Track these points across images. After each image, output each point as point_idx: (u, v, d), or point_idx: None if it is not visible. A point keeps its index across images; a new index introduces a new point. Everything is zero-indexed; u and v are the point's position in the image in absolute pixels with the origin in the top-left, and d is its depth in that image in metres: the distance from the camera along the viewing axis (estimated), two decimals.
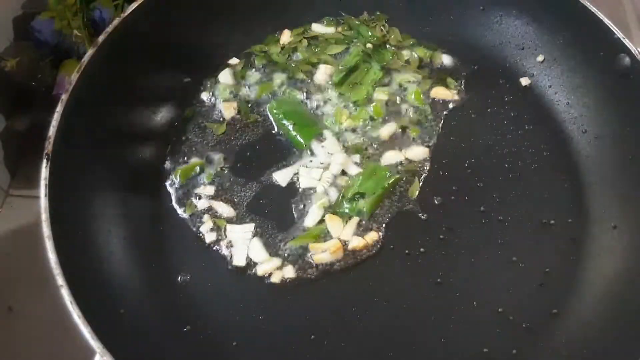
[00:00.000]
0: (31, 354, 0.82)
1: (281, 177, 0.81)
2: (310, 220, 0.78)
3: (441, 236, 0.77)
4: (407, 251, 0.76)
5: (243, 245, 0.77)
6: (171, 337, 0.71)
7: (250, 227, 0.78)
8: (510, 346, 0.71)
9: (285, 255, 0.76)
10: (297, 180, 0.81)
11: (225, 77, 0.90)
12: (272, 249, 0.77)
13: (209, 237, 0.77)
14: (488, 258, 0.76)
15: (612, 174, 0.79)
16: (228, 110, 0.87)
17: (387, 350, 0.71)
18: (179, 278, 0.75)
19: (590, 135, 0.83)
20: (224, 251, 0.77)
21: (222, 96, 0.89)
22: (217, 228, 0.78)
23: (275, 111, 0.86)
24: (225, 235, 0.78)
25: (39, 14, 0.95)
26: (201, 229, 0.78)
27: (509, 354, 0.70)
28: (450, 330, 0.71)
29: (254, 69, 0.91)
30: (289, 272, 0.75)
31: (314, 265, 0.75)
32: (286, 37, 0.93)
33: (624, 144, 0.79)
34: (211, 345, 0.71)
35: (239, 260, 0.76)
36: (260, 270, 0.75)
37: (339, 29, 0.94)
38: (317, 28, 0.94)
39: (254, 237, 0.77)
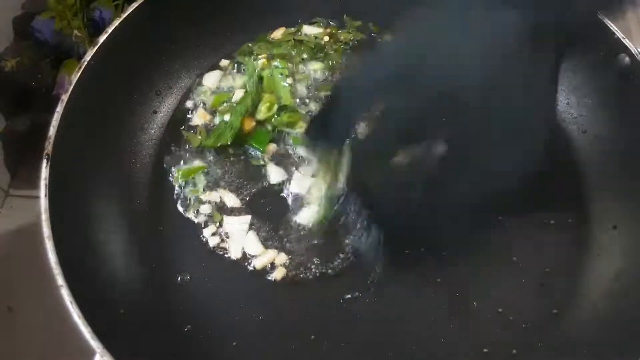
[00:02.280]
0: (31, 354, 0.82)
1: (274, 173, 0.81)
2: (304, 218, 0.78)
3: (441, 236, 0.77)
4: (407, 251, 0.76)
5: (239, 237, 0.77)
6: (171, 337, 0.71)
7: (247, 219, 0.78)
8: (510, 346, 0.71)
9: (285, 250, 0.76)
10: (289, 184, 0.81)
11: (210, 79, 0.89)
12: (269, 243, 0.77)
13: (213, 241, 0.77)
14: (488, 258, 0.76)
15: (612, 174, 0.79)
16: (201, 118, 0.85)
17: (387, 350, 0.71)
18: (179, 278, 0.75)
19: (590, 135, 0.83)
20: (224, 251, 0.77)
21: (202, 100, 0.87)
22: (218, 230, 0.78)
23: None
24: (222, 229, 0.78)
25: (39, 14, 0.95)
26: (204, 234, 0.78)
27: (509, 354, 0.70)
28: (450, 330, 0.71)
29: (239, 71, 0.90)
30: (287, 266, 0.75)
31: (314, 263, 0.75)
32: (278, 33, 0.92)
33: (624, 144, 0.79)
34: (211, 345, 0.71)
35: (235, 253, 0.76)
36: (258, 264, 0.75)
37: (328, 30, 0.93)
38: (309, 30, 0.93)
39: (250, 230, 0.77)
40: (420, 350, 0.71)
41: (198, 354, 0.70)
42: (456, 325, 0.72)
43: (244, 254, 0.76)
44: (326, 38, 0.92)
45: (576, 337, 0.70)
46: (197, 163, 0.83)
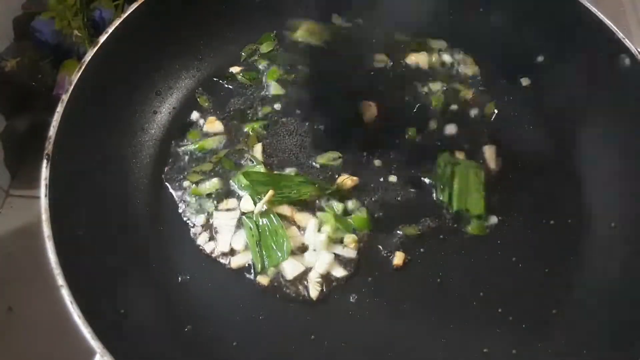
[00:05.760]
0: (31, 354, 0.82)
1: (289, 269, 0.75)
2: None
3: (441, 236, 0.77)
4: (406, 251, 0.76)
5: (228, 232, 0.77)
6: (171, 337, 0.71)
7: (236, 214, 0.78)
8: (510, 346, 0.71)
9: None
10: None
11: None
12: None
13: (209, 247, 0.77)
14: (488, 258, 0.76)
15: (612, 174, 0.79)
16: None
17: (387, 350, 0.71)
18: (179, 278, 0.75)
19: (590, 135, 0.83)
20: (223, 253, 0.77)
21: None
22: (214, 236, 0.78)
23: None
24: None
25: (39, 14, 0.95)
26: (204, 233, 0.78)
27: (509, 354, 0.70)
28: (450, 330, 0.71)
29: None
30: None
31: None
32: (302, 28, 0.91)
33: (624, 144, 0.79)
34: (211, 345, 0.71)
35: (222, 246, 0.76)
36: (234, 264, 0.75)
37: None
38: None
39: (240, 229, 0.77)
40: (420, 350, 0.71)
41: (198, 354, 0.70)
42: (456, 325, 0.72)
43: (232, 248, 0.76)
44: None
45: (576, 337, 0.70)
46: (209, 183, 0.81)
